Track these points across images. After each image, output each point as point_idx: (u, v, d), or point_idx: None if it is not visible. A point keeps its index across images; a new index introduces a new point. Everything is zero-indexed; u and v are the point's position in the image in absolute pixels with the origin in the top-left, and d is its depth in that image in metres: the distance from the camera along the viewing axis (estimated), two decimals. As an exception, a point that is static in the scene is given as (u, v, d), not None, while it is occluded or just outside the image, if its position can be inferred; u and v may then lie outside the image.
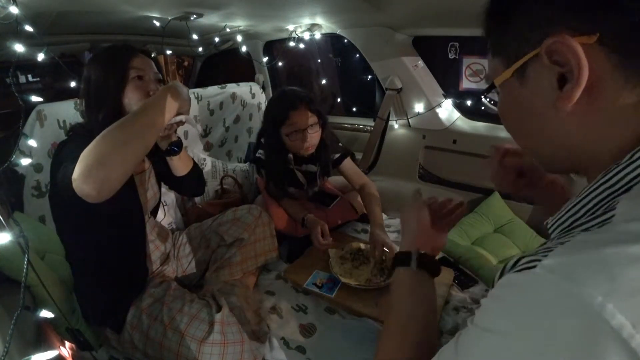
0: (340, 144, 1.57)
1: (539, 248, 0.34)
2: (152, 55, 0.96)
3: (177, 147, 1.03)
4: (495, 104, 0.46)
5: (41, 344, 0.81)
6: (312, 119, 1.33)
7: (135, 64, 0.89)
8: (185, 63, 3.10)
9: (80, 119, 1.05)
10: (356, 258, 1.32)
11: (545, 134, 0.39)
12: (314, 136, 1.35)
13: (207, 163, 1.76)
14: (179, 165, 1.08)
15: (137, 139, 0.69)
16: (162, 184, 1.19)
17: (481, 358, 0.33)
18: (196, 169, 1.15)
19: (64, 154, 0.79)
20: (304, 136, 1.32)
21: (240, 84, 2.00)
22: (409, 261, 0.63)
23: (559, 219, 0.38)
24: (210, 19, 1.53)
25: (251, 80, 2.19)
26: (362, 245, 1.38)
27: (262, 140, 1.50)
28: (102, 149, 0.64)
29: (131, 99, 0.87)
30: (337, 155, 1.50)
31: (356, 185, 1.52)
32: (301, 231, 1.49)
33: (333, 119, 2.20)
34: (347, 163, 1.52)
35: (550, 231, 0.40)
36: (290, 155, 1.45)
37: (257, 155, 1.51)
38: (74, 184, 0.62)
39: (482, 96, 0.46)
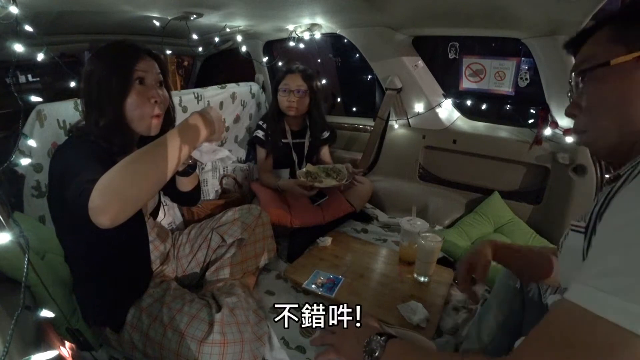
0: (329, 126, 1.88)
1: None
2: (157, 55, 0.94)
3: (192, 169, 1.04)
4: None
5: (41, 344, 0.81)
6: (302, 86, 1.66)
7: (140, 66, 0.86)
8: (185, 63, 3.09)
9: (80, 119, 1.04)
10: (314, 178, 1.61)
11: (632, 114, 0.49)
12: (299, 100, 1.67)
13: (207, 163, 1.76)
14: (187, 183, 1.08)
15: (158, 173, 0.68)
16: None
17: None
18: (199, 185, 1.15)
19: (69, 161, 0.77)
20: (290, 96, 1.66)
21: (240, 84, 2.00)
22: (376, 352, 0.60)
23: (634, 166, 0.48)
24: (210, 19, 1.53)
25: (251, 80, 2.19)
26: (307, 170, 1.66)
27: (261, 122, 1.79)
28: (122, 183, 0.63)
29: (132, 105, 0.85)
30: (326, 135, 1.84)
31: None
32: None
33: (333, 119, 2.20)
34: (327, 149, 1.89)
35: (621, 173, 0.49)
36: (288, 128, 1.77)
37: (255, 134, 1.79)
38: (90, 212, 0.62)
39: (581, 72, 0.54)
